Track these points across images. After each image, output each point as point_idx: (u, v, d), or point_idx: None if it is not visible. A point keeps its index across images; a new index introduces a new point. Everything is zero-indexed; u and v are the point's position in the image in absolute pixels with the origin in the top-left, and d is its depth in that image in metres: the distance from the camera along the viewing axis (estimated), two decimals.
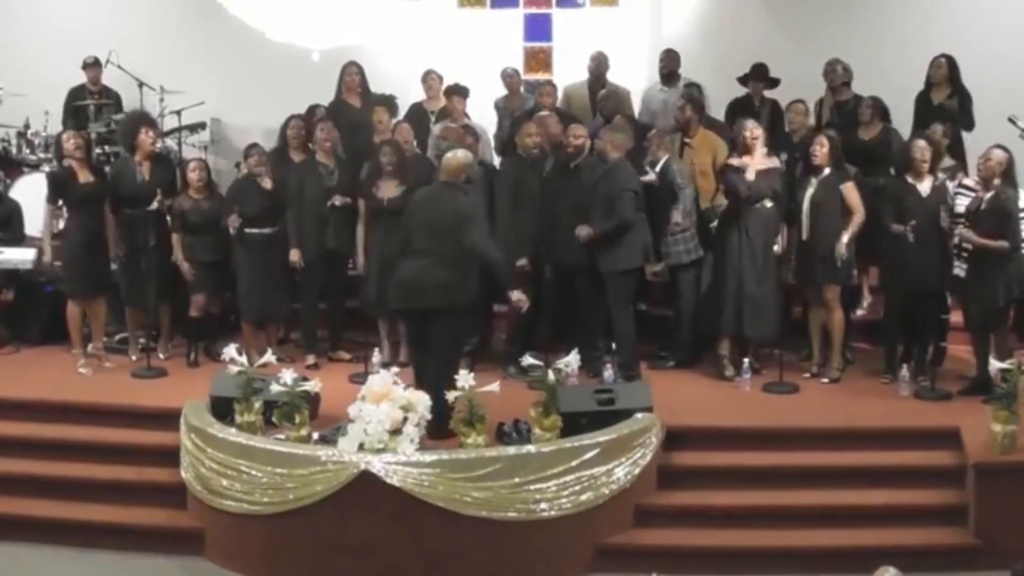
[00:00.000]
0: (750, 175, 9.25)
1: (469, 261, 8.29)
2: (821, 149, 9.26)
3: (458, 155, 8.61)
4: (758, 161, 9.37)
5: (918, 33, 11.95)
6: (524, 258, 9.49)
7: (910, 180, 9.10)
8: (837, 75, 10.88)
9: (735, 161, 9.44)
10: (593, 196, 9.34)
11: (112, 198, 9.92)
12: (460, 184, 8.53)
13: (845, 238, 9.09)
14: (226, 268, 9.96)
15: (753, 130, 9.44)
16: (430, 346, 8.25)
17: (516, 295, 8.56)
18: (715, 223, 9.69)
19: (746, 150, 9.40)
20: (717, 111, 11.31)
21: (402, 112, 11.24)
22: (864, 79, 10.92)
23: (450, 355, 8.33)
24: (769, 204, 9.31)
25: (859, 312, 10.12)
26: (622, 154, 9.47)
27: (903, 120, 10.57)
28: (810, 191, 9.25)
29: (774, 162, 9.49)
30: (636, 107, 11.66)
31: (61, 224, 10.17)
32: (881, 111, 10.34)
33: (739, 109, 11.23)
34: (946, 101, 10.61)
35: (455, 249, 8.22)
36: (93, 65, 12.29)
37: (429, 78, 11.42)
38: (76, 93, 12.38)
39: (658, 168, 9.62)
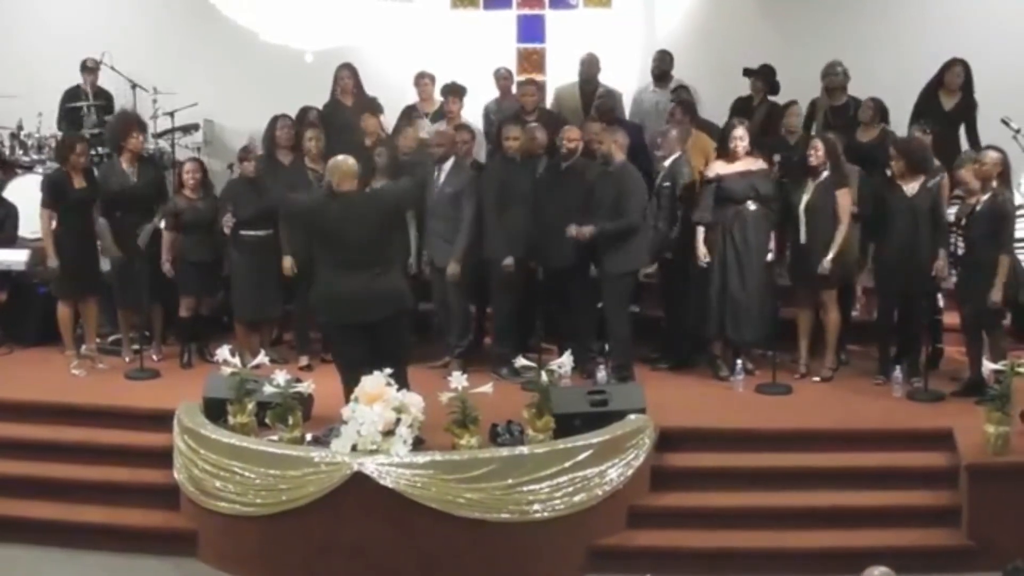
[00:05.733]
0: (729, 179, 9.29)
1: (400, 264, 8.26)
2: (817, 152, 9.26)
3: (348, 160, 8.36)
4: (741, 164, 9.37)
5: (913, 35, 11.96)
6: (510, 257, 9.48)
7: (897, 181, 9.12)
8: (837, 77, 10.89)
9: (711, 171, 9.43)
10: (598, 198, 9.32)
11: (103, 201, 9.92)
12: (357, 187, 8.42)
13: (830, 255, 9.11)
14: (216, 270, 9.97)
15: (739, 135, 9.43)
16: (383, 357, 7.93)
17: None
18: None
19: (732, 154, 9.40)
20: (710, 112, 11.31)
21: (394, 113, 11.24)
22: (858, 80, 10.93)
23: (403, 363, 8.22)
24: (753, 206, 9.31)
25: (852, 313, 10.11)
26: (625, 155, 9.47)
27: (898, 121, 10.57)
28: (806, 195, 9.27)
29: (759, 164, 9.48)
30: (627, 109, 11.67)
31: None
32: (881, 112, 10.35)
33: (738, 108, 11.25)
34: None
35: (391, 254, 8.20)
36: (93, 69, 12.25)
37: (422, 80, 11.41)
38: (71, 94, 12.37)
39: (668, 163, 9.63)
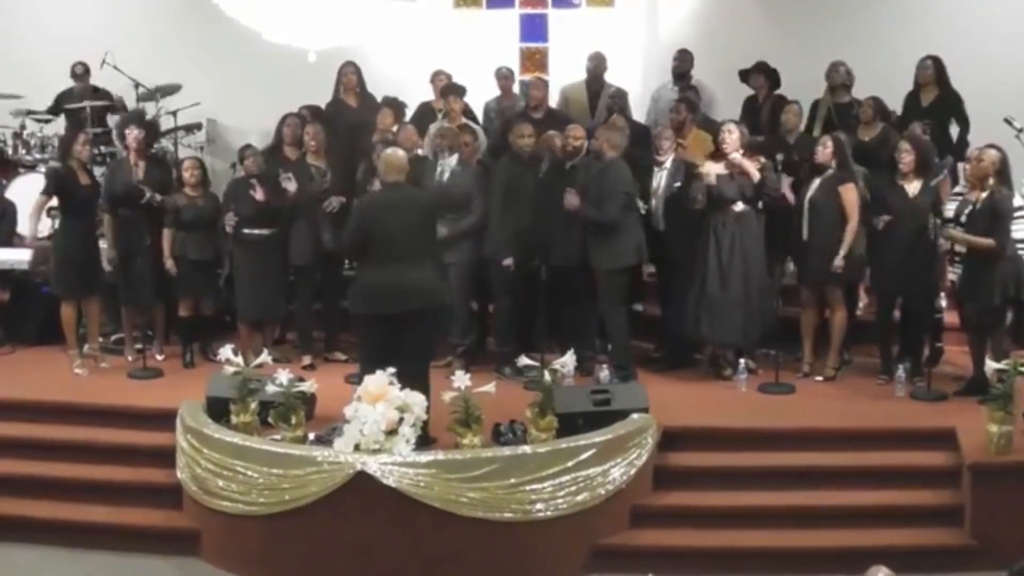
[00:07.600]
0: (712, 179, 9.25)
1: (440, 261, 8.30)
2: (824, 150, 9.25)
3: (398, 152, 8.45)
4: (730, 163, 9.35)
5: (914, 34, 11.92)
6: (510, 257, 9.49)
7: (898, 181, 9.12)
8: (839, 76, 10.89)
9: (703, 168, 9.41)
10: (588, 194, 9.33)
11: (108, 198, 9.93)
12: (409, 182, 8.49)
13: (841, 252, 9.08)
14: (214, 268, 9.98)
15: (727, 133, 9.40)
16: (407, 352, 7.93)
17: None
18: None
19: (722, 154, 9.38)
20: (722, 111, 11.32)
21: (410, 112, 11.26)
22: (860, 79, 10.94)
23: (428, 360, 8.27)
24: (740, 207, 9.29)
25: (856, 312, 10.11)
26: (618, 154, 9.48)
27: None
28: (810, 192, 9.27)
29: (753, 162, 9.45)
30: (633, 107, 11.67)
31: (54, 224, 10.17)
32: (882, 111, 10.36)
33: (746, 109, 11.25)
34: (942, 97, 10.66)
35: (431, 249, 8.24)
36: (83, 75, 12.25)
37: (438, 78, 11.42)
38: (64, 96, 12.37)
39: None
